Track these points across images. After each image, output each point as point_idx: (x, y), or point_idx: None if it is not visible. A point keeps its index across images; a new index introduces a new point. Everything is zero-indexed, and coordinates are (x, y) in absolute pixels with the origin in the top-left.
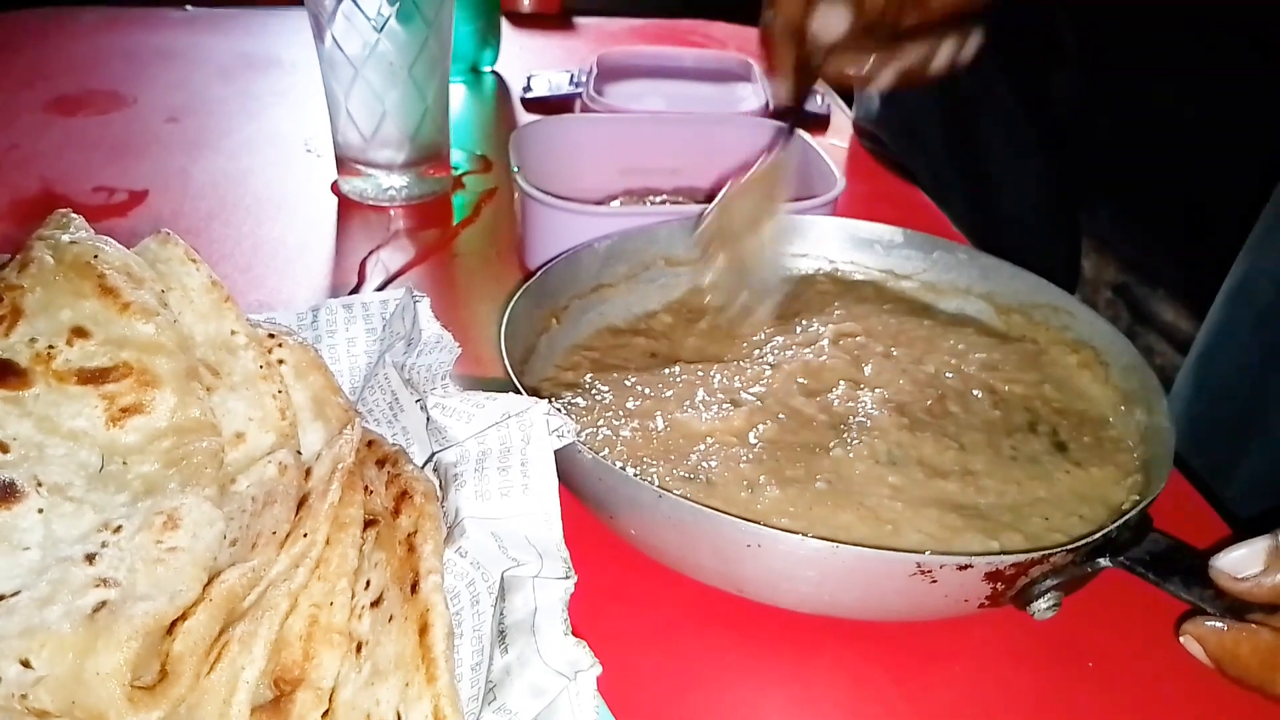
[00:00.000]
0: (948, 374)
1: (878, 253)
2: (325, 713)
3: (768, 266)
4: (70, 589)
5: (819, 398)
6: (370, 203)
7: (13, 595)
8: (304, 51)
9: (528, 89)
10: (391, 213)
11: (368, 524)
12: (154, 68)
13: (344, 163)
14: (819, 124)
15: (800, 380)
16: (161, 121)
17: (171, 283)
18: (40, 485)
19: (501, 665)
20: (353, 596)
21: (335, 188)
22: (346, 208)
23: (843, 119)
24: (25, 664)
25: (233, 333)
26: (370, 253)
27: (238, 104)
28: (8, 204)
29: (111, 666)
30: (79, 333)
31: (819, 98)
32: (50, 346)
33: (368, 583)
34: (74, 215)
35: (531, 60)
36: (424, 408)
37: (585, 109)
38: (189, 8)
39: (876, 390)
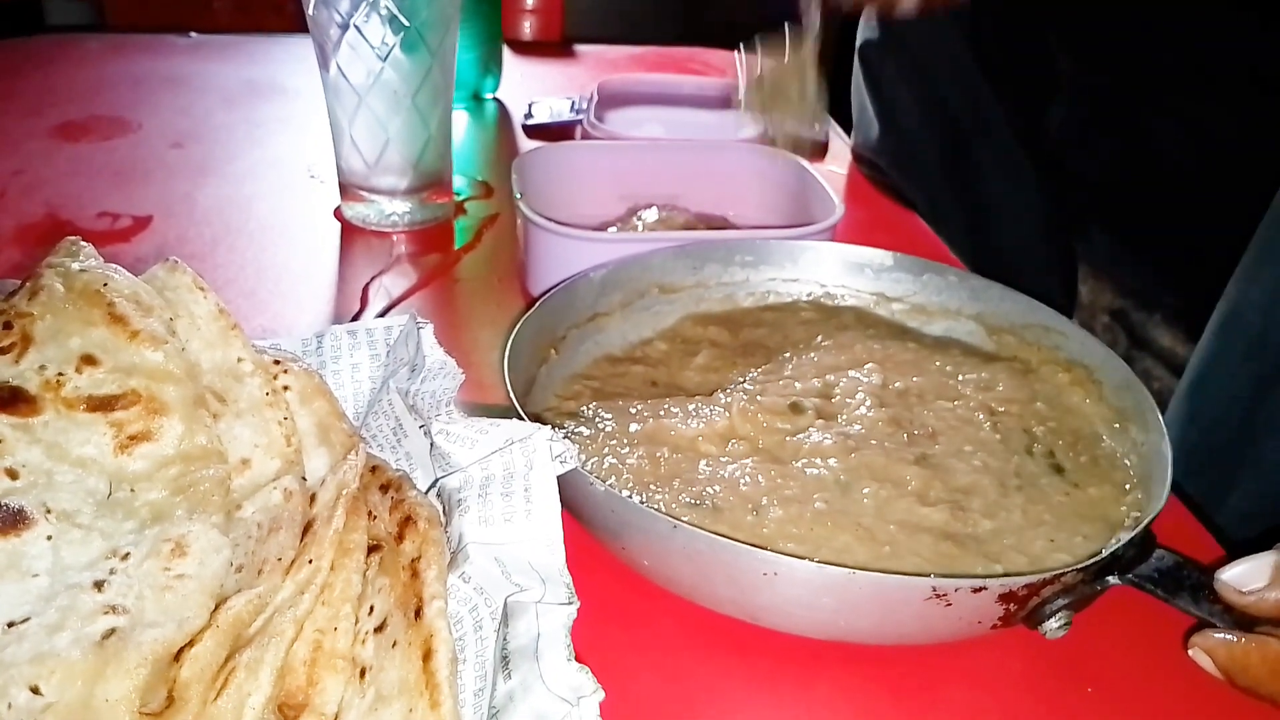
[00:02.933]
0: (942, 396)
1: (868, 276)
2: None
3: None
4: (79, 616)
5: (814, 419)
6: (373, 228)
7: (22, 622)
8: (306, 78)
9: (529, 115)
10: (394, 238)
11: (371, 549)
12: (159, 94)
13: (347, 189)
14: (817, 151)
15: (795, 402)
16: (166, 147)
17: (179, 310)
18: (49, 512)
19: (505, 691)
20: (356, 622)
21: (338, 213)
22: (349, 233)
23: (841, 146)
24: (35, 691)
25: (239, 360)
26: (373, 278)
27: (242, 130)
28: (14, 230)
29: (121, 693)
30: (88, 360)
31: (818, 126)
32: (60, 374)
33: (371, 608)
34: (84, 243)
35: (533, 87)
36: (428, 433)
37: (586, 135)
38: (193, 35)
39: (870, 411)
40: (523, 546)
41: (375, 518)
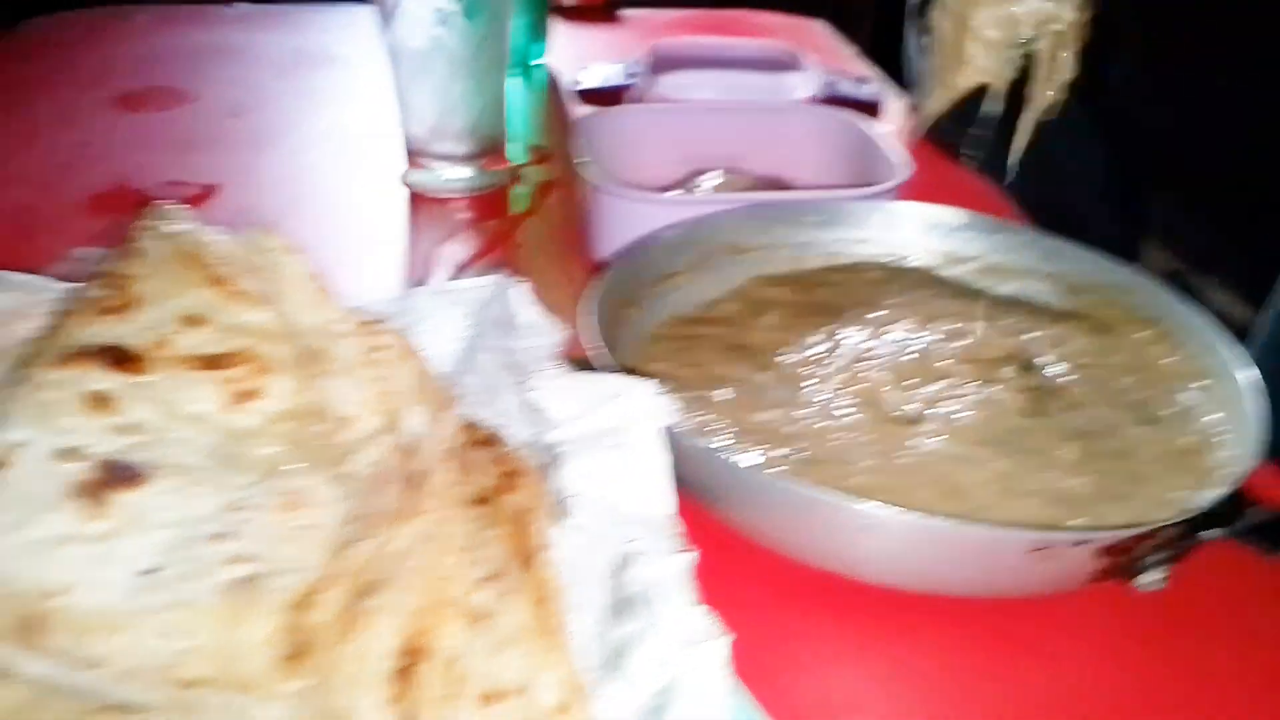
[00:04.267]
0: (1020, 354)
1: (938, 236)
2: (450, 682)
3: None
4: (210, 565)
5: (894, 380)
6: (434, 195)
7: (155, 571)
8: (352, 47)
9: (580, 81)
10: (455, 204)
11: (476, 502)
12: (210, 64)
13: (409, 155)
14: (868, 111)
15: (873, 362)
16: (224, 117)
17: (274, 272)
18: (168, 468)
19: (622, 636)
20: (468, 572)
21: (400, 179)
22: (412, 200)
23: (896, 105)
24: (174, 635)
25: (334, 321)
26: (437, 244)
27: (296, 99)
28: (88, 198)
29: (261, 636)
30: (194, 320)
31: (867, 85)
32: (167, 334)
33: (481, 559)
34: (177, 206)
35: (579, 52)
36: (525, 390)
37: (638, 99)
38: (239, 4)
39: (949, 372)
40: (630, 498)
41: (475, 473)
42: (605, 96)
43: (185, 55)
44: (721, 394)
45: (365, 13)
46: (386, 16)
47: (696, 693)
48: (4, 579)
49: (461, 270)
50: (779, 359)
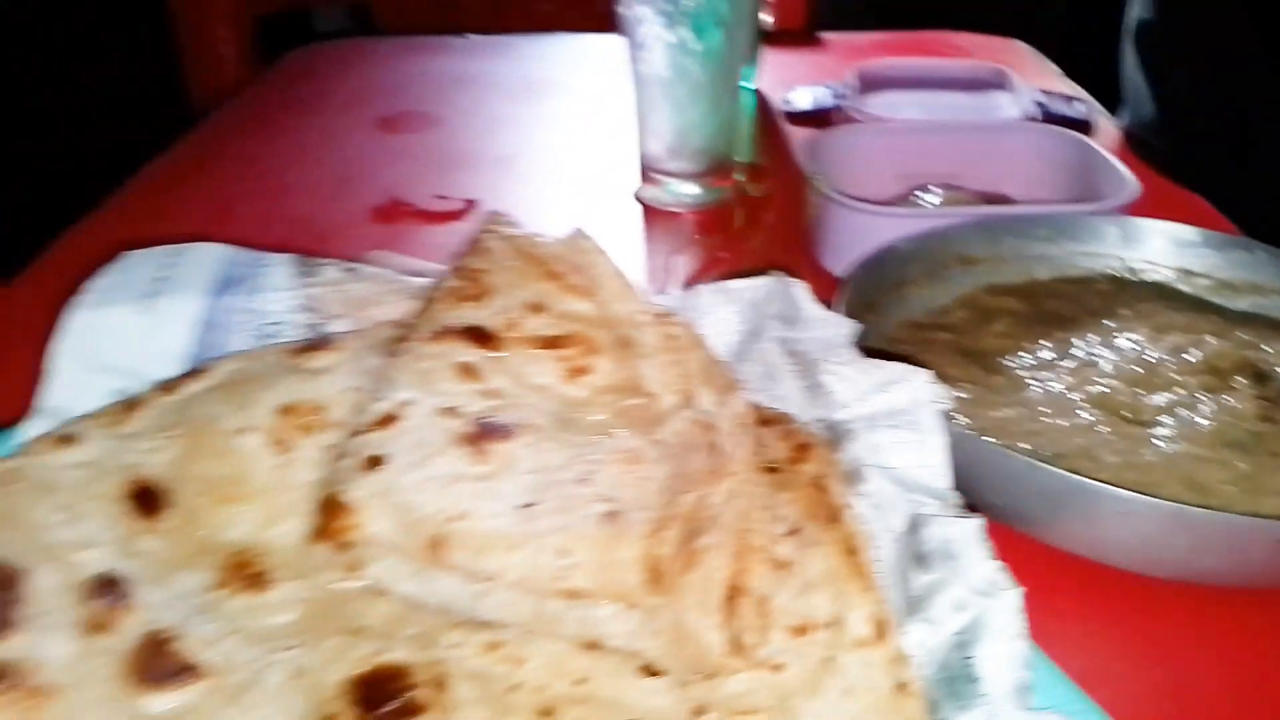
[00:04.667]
0: (1253, 364)
1: (1170, 252)
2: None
3: None
4: (578, 501)
5: (1126, 386)
6: (666, 209)
7: (532, 505)
8: (576, 75)
9: (790, 103)
10: (685, 218)
11: (768, 470)
12: (451, 91)
13: (645, 172)
14: (1080, 129)
15: (1104, 369)
16: (471, 139)
17: (590, 269)
18: (525, 426)
19: (922, 584)
20: (769, 527)
21: (635, 195)
22: (645, 213)
23: (1107, 125)
24: (560, 553)
25: (637, 312)
26: (671, 253)
27: (531, 122)
28: (369, 211)
29: (633, 555)
30: (535, 308)
31: (1081, 105)
32: (515, 318)
33: (780, 517)
34: (507, 216)
35: (785, 75)
36: (811, 375)
37: (848, 119)
38: (469, 36)
39: (1182, 381)
40: (915, 470)
41: (764, 446)
42: (815, 117)
43: (428, 82)
44: (958, 393)
45: (577, 42)
46: (634, 46)
47: (999, 632)
48: (411, 506)
49: (694, 278)
50: (1009, 363)
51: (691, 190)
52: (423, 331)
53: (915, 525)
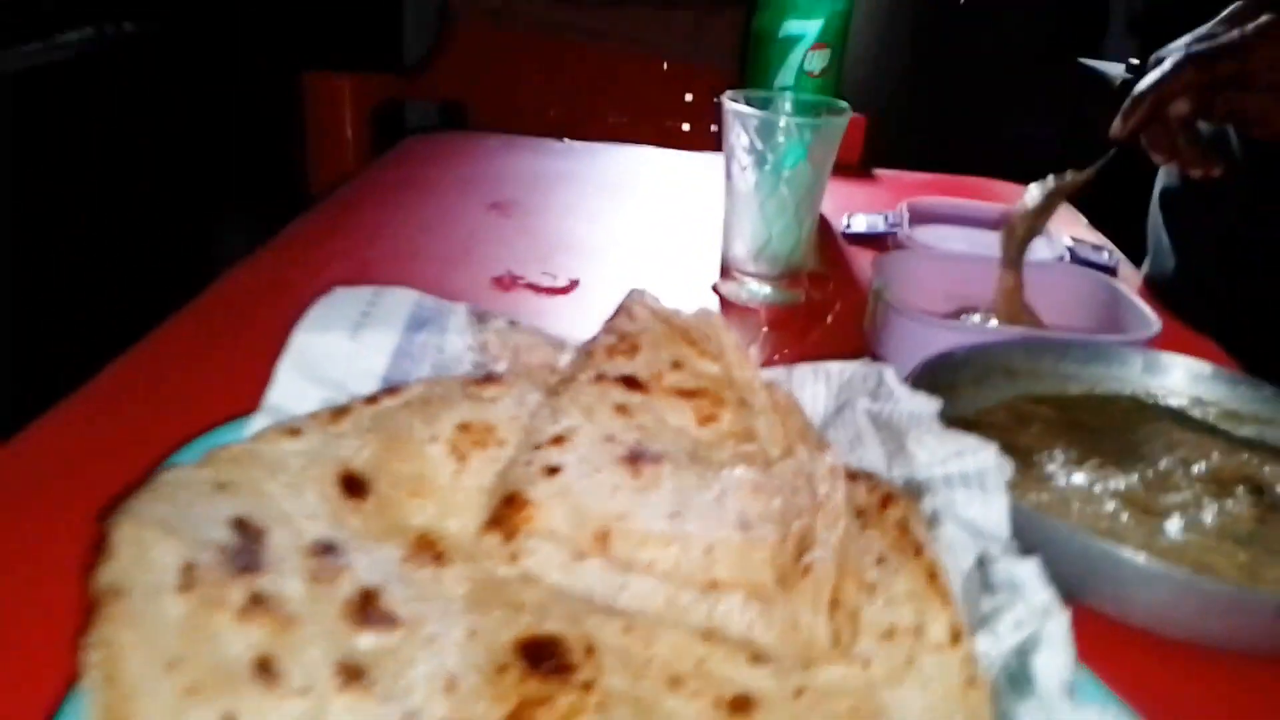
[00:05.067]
0: (1252, 478)
1: (1185, 383)
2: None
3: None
4: (718, 514)
5: (1141, 486)
6: (741, 304)
7: (679, 514)
8: (651, 183)
9: (848, 226)
10: (759, 313)
11: (857, 514)
12: (551, 185)
13: (726, 270)
14: (1107, 274)
15: (1122, 472)
16: (570, 226)
17: (715, 339)
18: (668, 455)
19: (989, 606)
20: (859, 556)
21: (714, 289)
22: (723, 305)
23: (1129, 272)
24: (707, 550)
25: (752, 379)
26: (746, 344)
27: (621, 218)
28: (489, 280)
29: (764, 558)
30: (675, 365)
31: (1106, 252)
32: (659, 371)
33: (866, 549)
34: (645, 290)
35: (842, 203)
36: (896, 440)
37: (899, 245)
38: (565, 140)
39: (1190, 486)
40: (980, 521)
41: (853, 493)
42: (868, 240)
43: (531, 175)
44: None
45: (654, 155)
46: (731, 164)
47: (1052, 644)
48: (582, 506)
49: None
50: (1043, 460)
51: (766, 290)
52: (584, 376)
53: (983, 562)
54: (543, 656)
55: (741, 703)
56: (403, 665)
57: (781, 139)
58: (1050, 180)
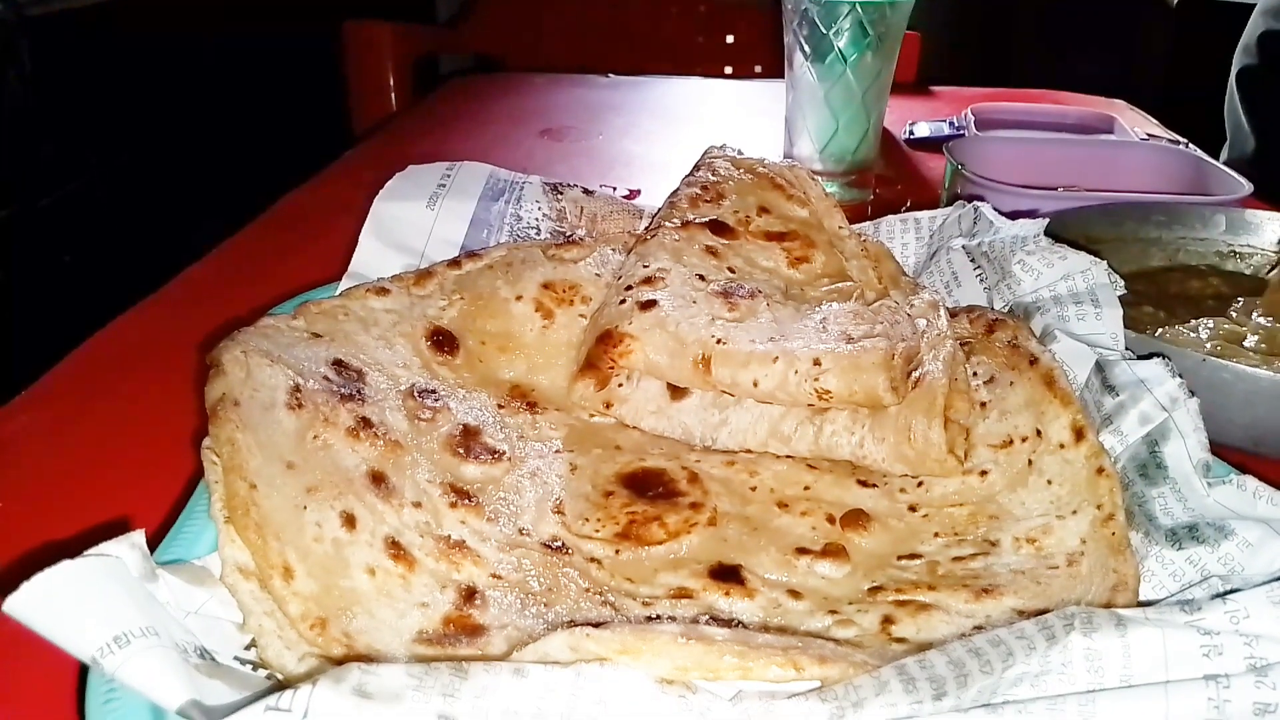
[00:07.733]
0: None
1: (1267, 238)
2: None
3: None
4: (821, 333)
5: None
6: None
7: (778, 339)
8: (695, 109)
9: (910, 133)
10: None
11: (961, 342)
12: (601, 115)
13: None
14: None
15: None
16: (626, 148)
17: (805, 189)
18: (761, 294)
19: (1111, 405)
20: (967, 376)
21: None
22: None
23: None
24: (815, 362)
25: (840, 225)
26: None
27: (674, 142)
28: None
29: (875, 362)
30: (762, 210)
31: (1182, 145)
32: (746, 216)
33: (975, 373)
34: (725, 144)
35: (904, 115)
36: (1000, 266)
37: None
38: (610, 75)
39: None
40: (1094, 335)
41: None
42: (933, 145)
43: (581, 107)
44: None
45: (702, 84)
46: (795, 53)
47: (1183, 431)
48: (681, 335)
49: None
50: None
51: (833, 189)
52: (670, 224)
53: (1102, 367)
54: (648, 486)
55: (855, 516)
56: (509, 492)
57: (846, 24)
58: None
